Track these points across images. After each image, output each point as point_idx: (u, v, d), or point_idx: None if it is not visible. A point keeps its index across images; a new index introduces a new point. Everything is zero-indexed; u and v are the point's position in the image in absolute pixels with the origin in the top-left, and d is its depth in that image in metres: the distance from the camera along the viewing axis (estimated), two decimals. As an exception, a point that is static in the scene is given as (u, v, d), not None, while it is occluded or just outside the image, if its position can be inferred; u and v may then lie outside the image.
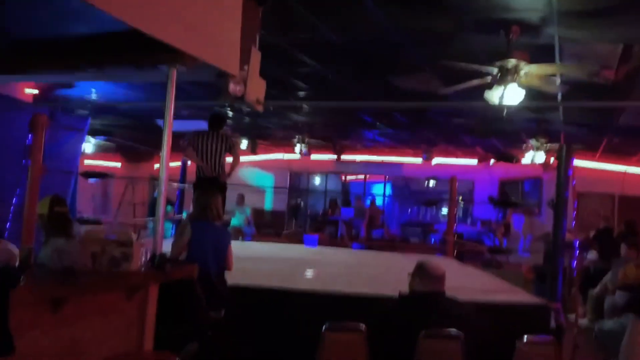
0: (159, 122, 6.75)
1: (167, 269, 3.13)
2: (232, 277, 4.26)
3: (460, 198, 13.74)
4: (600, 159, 12.40)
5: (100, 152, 13.94)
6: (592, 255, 8.88)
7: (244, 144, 13.14)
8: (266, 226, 14.00)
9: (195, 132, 5.97)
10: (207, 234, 4.02)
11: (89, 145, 11.26)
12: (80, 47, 3.64)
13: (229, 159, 5.98)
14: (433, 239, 13.80)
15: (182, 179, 9.17)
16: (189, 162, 9.51)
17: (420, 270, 3.16)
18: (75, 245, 2.91)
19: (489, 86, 4.92)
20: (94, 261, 2.85)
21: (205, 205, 4.11)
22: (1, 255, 2.68)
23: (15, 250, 2.75)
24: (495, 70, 4.71)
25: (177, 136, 11.60)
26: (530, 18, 4.20)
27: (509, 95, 4.62)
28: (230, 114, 9.48)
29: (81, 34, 3.53)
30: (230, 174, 6.06)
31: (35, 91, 6.89)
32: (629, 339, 4.14)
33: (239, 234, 11.26)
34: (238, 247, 6.63)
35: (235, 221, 12.26)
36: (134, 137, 11.99)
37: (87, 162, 12.83)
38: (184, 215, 9.86)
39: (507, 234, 13.20)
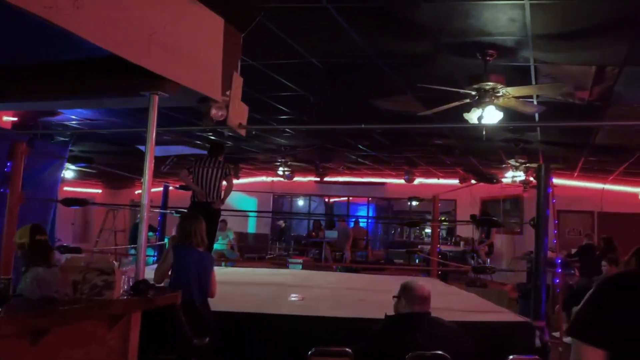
0: (141, 147, 6.71)
1: (150, 296, 3.08)
2: (216, 303, 4.21)
3: (443, 218, 13.82)
4: (578, 178, 12.63)
5: (81, 179, 13.80)
6: (574, 272, 8.99)
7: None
8: (250, 250, 13.91)
9: (195, 158, 6.18)
10: (190, 260, 3.99)
11: (68, 172, 11.13)
12: (60, 74, 3.63)
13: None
14: (417, 260, 13.82)
15: (164, 205, 9.10)
16: (171, 187, 9.50)
17: (405, 292, 3.16)
18: (56, 274, 2.86)
19: (468, 108, 5.01)
20: (74, 290, 2.80)
21: (189, 231, 4.08)
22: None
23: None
24: (473, 92, 4.80)
25: (158, 161, 11.56)
26: (506, 42, 4.30)
27: (487, 116, 4.71)
28: (211, 138, 9.48)
29: (62, 60, 3.53)
30: (223, 200, 6.20)
31: (14, 119, 6.82)
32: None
33: (222, 259, 11.16)
34: (221, 273, 6.59)
35: (218, 246, 12.16)
36: (115, 163, 11.90)
37: (67, 188, 12.68)
38: (166, 240, 9.76)
39: (490, 253, 13.29)
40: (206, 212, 5.42)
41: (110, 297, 2.82)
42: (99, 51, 2.84)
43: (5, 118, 6.59)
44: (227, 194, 6.19)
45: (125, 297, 2.97)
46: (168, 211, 9.03)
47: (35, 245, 3.29)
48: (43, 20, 2.40)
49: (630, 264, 1.69)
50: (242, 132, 4.35)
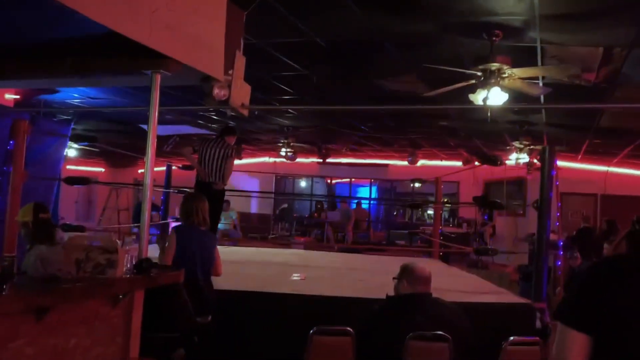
0: (143, 126, 6.70)
1: (153, 274, 3.10)
2: (219, 282, 4.23)
3: (446, 200, 13.83)
4: (582, 160, 12.58)
5: (84, 158, 13.81)
6: (577, 254, 8.99)
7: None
8: (252, 230, 13.96)
9: (203, 138, 6.28)
10: (192, 239, 4.00)
11: (71, 150, 11.14)
12: (62, 52, 3.60)
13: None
14: (419, 241, 13.86)
15: (167, 184, 9.12)
16: (174, 167, 9.50)
17: (406, 273, 3.17)
18: (59, 252, 2.87)
19: (473, 89, 4.96)
20: (78, 268, 2.81)
21: (191, 210, 4.08)
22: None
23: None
24: (478, 73, 4.75)
25: (161, 140, 11.56)
26: (513, 22, 4.24)
27: (493, 97, 4.67)
28: (214, 117, 9.46)
29: (63, 38, 3.49)
30: (225, 181, 6.20)
31: (17, 96, 6.80)
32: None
33: (225, 238, 11.22)
34: (224, 252, 6.61)
35: (220, 225, 12.21)
36: (118, 142, 11.89)
37: (69, 167, 12.70)
38: (170, 219, 9.80)
39: (493, 235, 13.31)
40: (209, 192, 5.49)
41: (113, 275, 2.84)
42: (100, 29, 2.80)
43: (7, 96, 6.57)
44: (226, 175, 6.15)
45: (128, 276, 2.98)
46: (171, 190, 9.05)
47: (38, 223, 3.30)
48: (44, -3, 2.37)
49: (620, 248, 1.66)
50: (245, 112, 4.33)
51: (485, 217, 13.32)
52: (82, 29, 3.15)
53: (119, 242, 3.02)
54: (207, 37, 3.66)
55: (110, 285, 2.83)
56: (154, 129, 3.45)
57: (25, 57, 3.70)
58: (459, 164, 13.71)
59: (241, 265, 6.32)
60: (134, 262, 3.11)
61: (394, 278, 3.24)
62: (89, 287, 2.73)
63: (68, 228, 5.77)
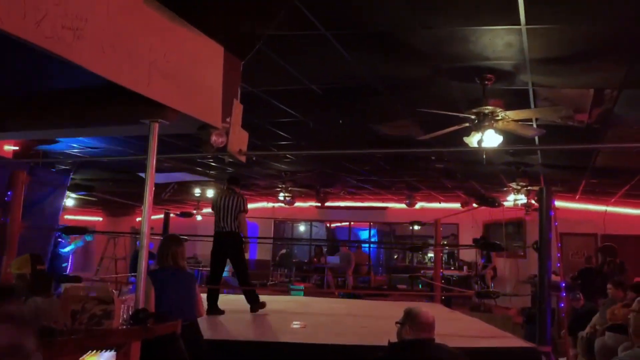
0: (142, 174, 6.73)
1: (150, 325, 3.04)
2: (217, 331, 4.16)
3: (445, 242, 13.75)
4: (580, 200, 12.60)
5: (82, 207, 13.79)
6: (579, 295, 8.87)
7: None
8: (251, 277, 13.78)
9: (219, 190, 6.91)
10: (167, 281, 3.92)
11: (70, 200, 11.13)
12: (61, 103, 3.65)
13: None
14: (420, 285, 13.70)
15: (165, 232, 9.06)
16: (172, 215, 9.47)
17: (409, 318, 3.12)
18: (55, 304, 2.83)
19: (467, 132, 5.02)
20: (73, 320, 2.77)
21: (163, 253, 4.05)
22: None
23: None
24: (472, 116, 4.82)
25: (159, 188, 11.55)
26: (504, 66, 4.34)
27: (487, 140, 4.72)
28: (212, 164, 9.51)
29: (62, 89, 3.55)
30: (244, 235, 6.63)
31: (16, 147, 6.85)
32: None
33: (223, 286, 11.05)
34: (222, 300, 6.51)
35: (219, 273, 12.05)
36: (116, 190, 11.90)
37: (68, 217, 12.66)
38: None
39: (494, 277, 13.17)
40: (226, 240, 6.30)
41: (109, 326, 2.79)
42: (99, 80, 2.86)
43: (6, 147, 6.62)
44: (243, 229, 6.55)
45: (124, 327, 2.93)
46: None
47: (36, 275, 3.27)
48: (43, 51, 2.43)
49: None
50: (242, 159, 4.35)
51: (483, 260, 13.22)
52: (81, 80, 3.21)
53: (115, 292, 2.99)
54: (204, 86, 3.72)
55: (106, 336, 2.78)
56: (151, 178, 3.46)
57: (24, 109, 3.74)
58: (457, 205, 13.72)
59: (239, 314, 6.21)
60: (130, 312, 3.06)
61: (397, 322, 3.18)
62: (85, 339, 2.67)
63: (64, 279, 5.70)
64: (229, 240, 6.39)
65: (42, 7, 2.37)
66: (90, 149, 8.11)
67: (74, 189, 7.78)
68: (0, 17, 2.19)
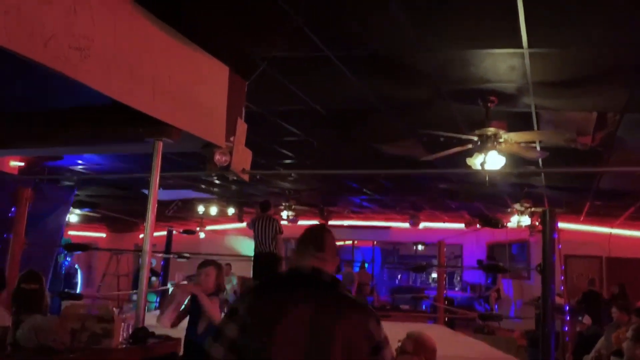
0: (145, 191, 6.77)
1: (149, 344, 3.03)
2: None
3: (447, 264, 13.67)
4: (585, 222, 12.52)
5: (85, 223, 13.81)
6: (586, 319, 8.78)
7: (230, 211, 13.13)
8: (253, 295, 13.71)
9: (253, 219, 7.75)
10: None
11: (73, 216, 11.17)
12: (66, 121, 3.69)
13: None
14: (424, 305, 13.59)
15: (167, 249, 9.07)
16: (174, 232, 9.48)
17: (417, 343, 3.10)
18: (54, 322, 2.82)
19: (470, 153, 5.03)
20: (73, 338, 2.76)
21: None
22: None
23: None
24: (475, 138, 4.83)
25: (163, 205, 11.53)
26: (506, 89, 4.36)
27: (490, 161, 4.72)
28: (216, 182, 9.53)
29: (68, 108, 3.59)
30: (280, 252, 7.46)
31: (21, 164, 6.90)
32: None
33: (225, 305, 11.00)
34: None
35: (220, 291, 12.00)
36: (120, 207, 11.93)
37: (71, 232, 12.68)
38: (170, 285, 9.66)
39: (498, 299, 13.06)
40: (266, 259, 7.22)
41: (109, 345, 2.78)
42: (104, 99, 2.89)
43: (12, 163, 6.66)
44: (279, 249, 7.40)
45: (124, 346, 2.92)
46: (171, 256, 8.98)
47: (19, 293, 3.24)
48: (50, 70, 2.46)
49: None
50: (246, 178, 4.37)
51: (489, 281, 13.12)
52: (87, 98, 3.24)
53: (115, 310, 2.98)
54: (209, 105, 3.76)
55: (105, 356, 2.77)
56: (154, 195, 3.48)
57: (31, 126, 3.78)
58: (461, 225, 13.67)
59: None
60: (130, 331, 3.05)
61: (399, 340, 3.16)
62: (84, 358, 2.66)
63: (66, 296, 5.69)
64: (268, 259, 7.21)
65: (49, 28, 2.42)
66: (95, 165, 8.16)
67: (78, 205, 7.83)
68: (9, 38, 2.23)
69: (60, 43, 2.48)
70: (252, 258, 7.70)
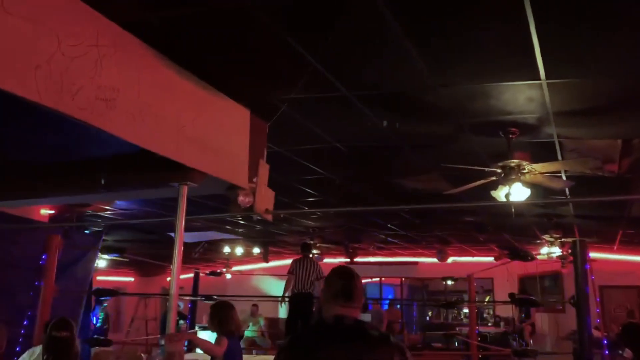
0: (172, 234, 6.86)
1: (177, 389, 3.02)
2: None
3: (478, 298, 13.34)
4: (619, 251, 12.17)
5: (114, 268, 13.96)
6: (627, 353, 8.41)
7: (255, 250, 13.14)
8: (281, 337, 13.56)
9: (295, 260, 7.99)
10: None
11: (102, 261, 11.31)
12: (94, 169, 3.79)
13: None
14: (456, 343, 13.22)
15: (194, 292, 9.08)
16: (201, 274, 9.51)
17: None
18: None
19: (494, 185, 4.98)
20: (102, 385, 2.77)
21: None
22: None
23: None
24: (498, 170, 4.79)
25: (190, 247, 11.62)
26: (527, 120, 4.34)
27: (515, 193, 4.67)
28: (241, 222, 9.59)
29: (96, 156, 3.70)
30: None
31: (51, 211, 7.07)
32: None
33: (253, 346, 10.91)
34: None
35: (248, 333, 11.92)
36: (147, 251, 12.06)
37: (100, 278, 12.80)
38: (197, 328, 9.62)
39: (533, 333, 12.65)
40: (302, 300, 7.64)
41: (137, 391, 2.77)
42: (130, 147, 2.98)
43: (42, 211, 6.83)
44: (319, 292, 7.29)
45: (152, 392, 2.91)
46: (198, 298, 8.98)
47: (49, 341, 3.31)
48: (78, 122, 2.56)
49: None
50: (269, 218, 4.40)
51: (523, 315, 12.74)
52: (113, 146, 3.34)
53: (144, 355, 2.99)
54: (231, 148, 3.83)
55: (133, 402, 2.76)
56: (180, 239, 3.52)
57: (60, 175, 3.89)
58: (491, 259, 13.40)
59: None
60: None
61: None
62: (112, 406, 2.66)
63: (95, 342, 5.72)
64: (304, 300, 7.66)
65: (77, 81, 2.52)
66: (121, 211, 8.30)
67: (106, 250, 7.95)
68: (40, 93, 2.33)
69: (87, 95, 2.58)
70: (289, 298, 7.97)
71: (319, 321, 2.24)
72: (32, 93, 2.28)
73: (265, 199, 4.23)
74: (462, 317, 15.96)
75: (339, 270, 2.30)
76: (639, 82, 3.62)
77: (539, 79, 3.54)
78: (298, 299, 7.69)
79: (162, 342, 4.90)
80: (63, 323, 3.43)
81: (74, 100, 2.51)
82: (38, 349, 3.31)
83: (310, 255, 8.08)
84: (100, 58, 2.65)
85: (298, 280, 7.61)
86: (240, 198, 4.06)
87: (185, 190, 3.51)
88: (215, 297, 7.56)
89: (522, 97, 3.90)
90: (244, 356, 4.28)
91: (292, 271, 7.80)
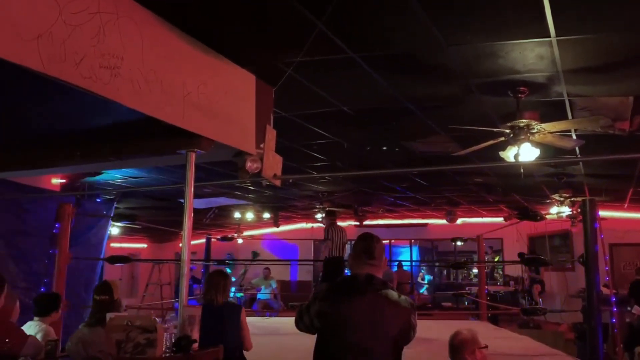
0: (182, 201, 6.93)
1: (192, 352, 3.10)
2: (256, 356, 4.16)
3: (488, 258, 13.44)
4: (630, 209, 12.12)
5: (127, 235, 14.16)
6: (636, 309, 8.48)
7: (266, 215, 13.25)
8: (293, 299, 13.80)
9: (330, 226, 7.96)
10: (211, 316, 3.96)
11: (115, 228, 11.47)
12: (104, 138, 3.81)
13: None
14: (466, 302, 13.40)
15: (207, 257, 9.22)
16: (213, 239, 9.62)
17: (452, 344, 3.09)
18: (100, 334, 2.92)
19: (503, 146, 4.95)
20: (119, 349, 2.85)
21: (207, 287, 4.14)
22: (29, 350, 2.70)
23: (41, 344, 2.77)
24: (507, 131, 4.74)
25: (201, 213, 11.66)
26: (537, 78, 4.27)
27: (524, 153, 4.63)
28: (250, 188, 9.65)
29: (104, 125, 3.71)
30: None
31: (63, 180, 7.13)
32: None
33: (266, 309, 11.12)
34: (265, 323, 6.55)
35: (261, 296, 12.15)
36: (159, 218, 12.19)
37: (114, 245, 13.02)
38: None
39: (542, 292, 12.76)
40: (339, 263, 7.03)
41: (152, 355, 2.85)
42: (137, 114, 2.98)
43: (53, 180, 6.90)
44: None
45: (167, 354, 2.99)
46: (211, 263, 9.13)
47: (95, 305, 3.49)
48: (83, 90, 2.55)
49: None
50: (277, 183, 4.41)
51: (533, 274, 12.83)
52: (121, 115, 3.35)
53: (158, 320, 3.05)
54: (238, 114, 3.82)
55: (149, 365, 2.84)
56: (190, 205, 3.55)
57: (69, 145, 3.92)
58: (500, 219, 13.42)
59: (280, 337, 6.22)
60: (173, 340, 3.12)
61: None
62: (129, 369, 2.74)
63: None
64: (340, 263, 7.51)
65: (80, 50, 2.50)
66: (132, 179, 8.36)
67: (118, 218, 8.04)
68: (43, 62, 2.32)
69: (91, 63, 2.57)
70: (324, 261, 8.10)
71: (352, 277, 2.63)
72: (36, 63, 2.27)
73: (273, 165, 4.23)
74: (471, 277, 16.13)
75: (362, 235, 2.72)
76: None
77: (549, 36, 3.46)
78: (335, 263, 7.78)
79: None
80: (104, 286, 3.62)
81: (78, 68, 2.50)
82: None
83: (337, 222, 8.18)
84: (102, 25, 2.62)
85: (334, 245, 7.70)
86: (248, 164, 4.06)
87: (192, 157, 3.53)
88: (228, 261, 7.69)
89: (532, 55, 3.82)
90: (257, 318, 4.35)
91: (330, 237, 7.84)
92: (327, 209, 9.54)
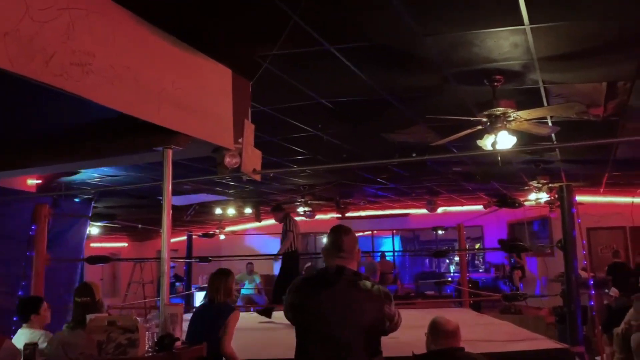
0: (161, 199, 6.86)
1: (175, 350, 3.07)
2: (248, 352, 4.15)
3: (468, 246, 13.59)
4: (605, 193, 12.36)
5: (107, 234, 13.99)
6: (613, 291, 8.67)
7: (247, 210, 13.21)
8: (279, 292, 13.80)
9: (287, 217, 7.75)
10: (197, 317, 3.97)
11: (94, 228, 11.31)
12: (80, 137, 3.74)
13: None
14: (449, 290, 13.55)
15: (189, 254, 9.15)
16: (194, 236, 9.55)
17: (431, 329, 3.10)
18: (81, 336, 2.88)
19: (481, 135, 4.99)
20: (100, 350, 2.81)
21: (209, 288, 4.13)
22: (5, 356, 2.65)
23: (17, 349, 2.72)
24: (484, 119, 4.78)
25: (181, 210, 11.54)
26: (512, 66, 4.31)
27: (501, 141, 4.67)
28: (231, 183, 9.59)
29: (80, 124, 3.63)
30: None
31: (39, 181, 7.00)
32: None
33: (250, 304, 11.10)
34: (250, 319, 6.53)
35: (245, 291, 12.12)
36: (138, 217, 12.06)
37: (94, 245, 12.85)
38: (194, 289, 9.73)
39: (523, 277, 12.97)
40: (298, 256, 7.81)
41: (134, 355, 2.82)
42: (111, 112, 2.93)
43: (29, 181, 6.77)
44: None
45: (150, 354, 2.96)
46: (193, 260, 9.06)
47: (76, 307, 3.44)
48: (54, 89, 2.49)
49: None
50: (257, 177, 4.39)
51: (513, 260, 13.02)
52: (97, 114, 3.28)
53: (139, 319, 3.02)
54: (215, 109, 3.77)
55: (131, 365, 2.80)
56: (168, 203, 3.51)
57: (46, 145, 3.83)
58: (480, 207, 13.58)
59: (265, 332, 6.22)
60: (155, 339, 3.09)
61: (425, 333, 3.17)
62: (110, 370, 2.70)
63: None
64: (298, 257, 7.84)
65: (50, 47, 2.44)
66: (110, 177, 8.25)
67: (97, 218, 7.92)
68: (11, 60, 2.26)
69: (61, 61, 2.51)
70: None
71: (323, 269, 2.68)
72: (3, 61, 2.21)
73: (252, 159, 4.20)
74: (453, 265, 16.32)
75: (333, 228, 2.74)
76: (622, 23, 3.57)
77: (523, 24, 3.49)
78: (296, 256, 7.72)
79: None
80: (84, 288, 3.55)
81: (48, 66, 2.44)
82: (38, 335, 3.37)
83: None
84: (72, 22, 2.56)
85: (295, 236, 7.64)
86: (227, 159, 4.03)
87: (169, 154, 3.48)
88: (210, 258, 7.64)
89: (506, 44, 3.85)
90: (242, 314, 4.33)
91: (290, 228, 7.71)
92: (274, 204, 9.41)
